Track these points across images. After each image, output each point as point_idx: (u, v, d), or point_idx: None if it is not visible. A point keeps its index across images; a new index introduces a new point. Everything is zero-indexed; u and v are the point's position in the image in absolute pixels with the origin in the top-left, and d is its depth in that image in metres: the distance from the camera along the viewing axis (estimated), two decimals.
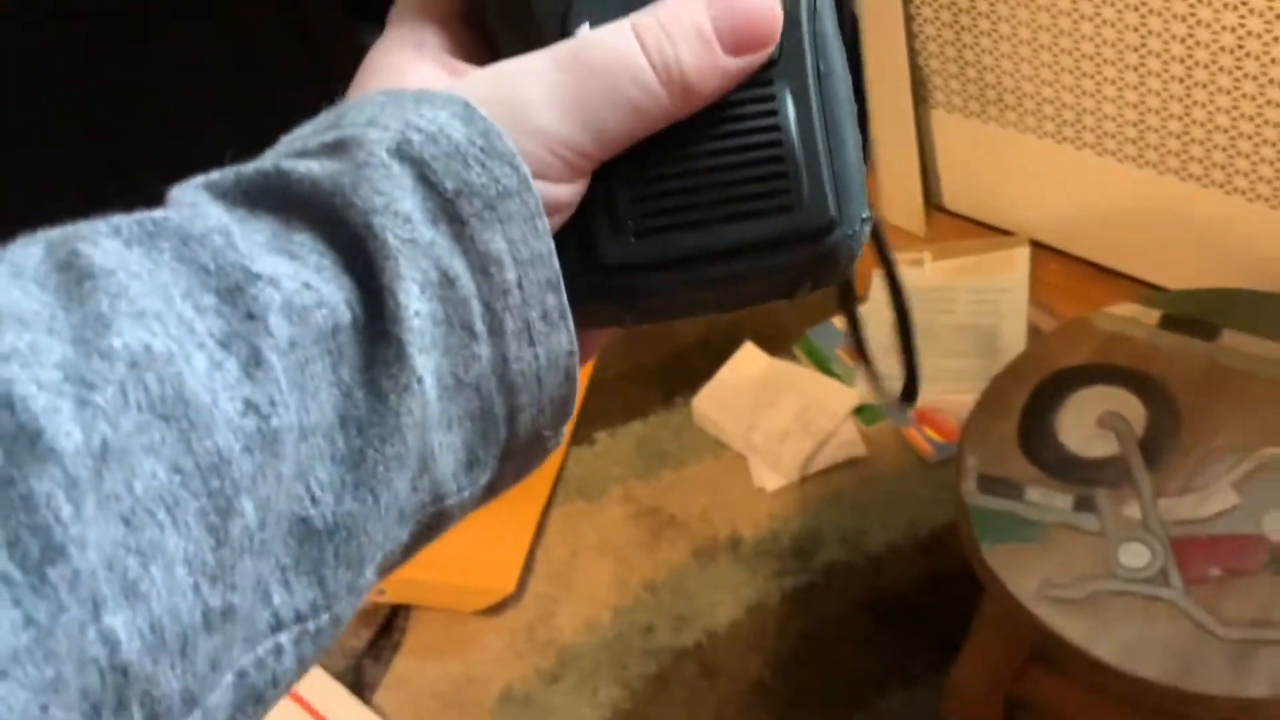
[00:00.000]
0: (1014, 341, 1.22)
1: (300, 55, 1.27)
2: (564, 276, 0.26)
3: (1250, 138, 1.04)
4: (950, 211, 1.36)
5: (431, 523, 0.26)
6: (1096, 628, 0.76)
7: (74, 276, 0.21)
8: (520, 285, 0.25)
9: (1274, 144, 1.04)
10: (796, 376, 1.21)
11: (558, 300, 0.26)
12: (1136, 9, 1.02)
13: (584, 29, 0.28)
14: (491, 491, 0.28)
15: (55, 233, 0.23)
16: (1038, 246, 1.30)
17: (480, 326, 0.25)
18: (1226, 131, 1.06)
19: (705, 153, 0.28)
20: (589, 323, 0.29)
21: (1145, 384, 0.88)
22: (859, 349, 0.40)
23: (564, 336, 0.26)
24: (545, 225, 0.26)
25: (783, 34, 0.28)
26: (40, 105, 1.12)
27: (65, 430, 0.19)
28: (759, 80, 0.28)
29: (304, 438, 0.23)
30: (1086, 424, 0.87)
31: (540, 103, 0.26)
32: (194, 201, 0.24)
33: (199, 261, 0.23)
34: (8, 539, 0.18)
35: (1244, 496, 0.81)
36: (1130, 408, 0.88)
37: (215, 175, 0.25)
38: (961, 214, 1.36)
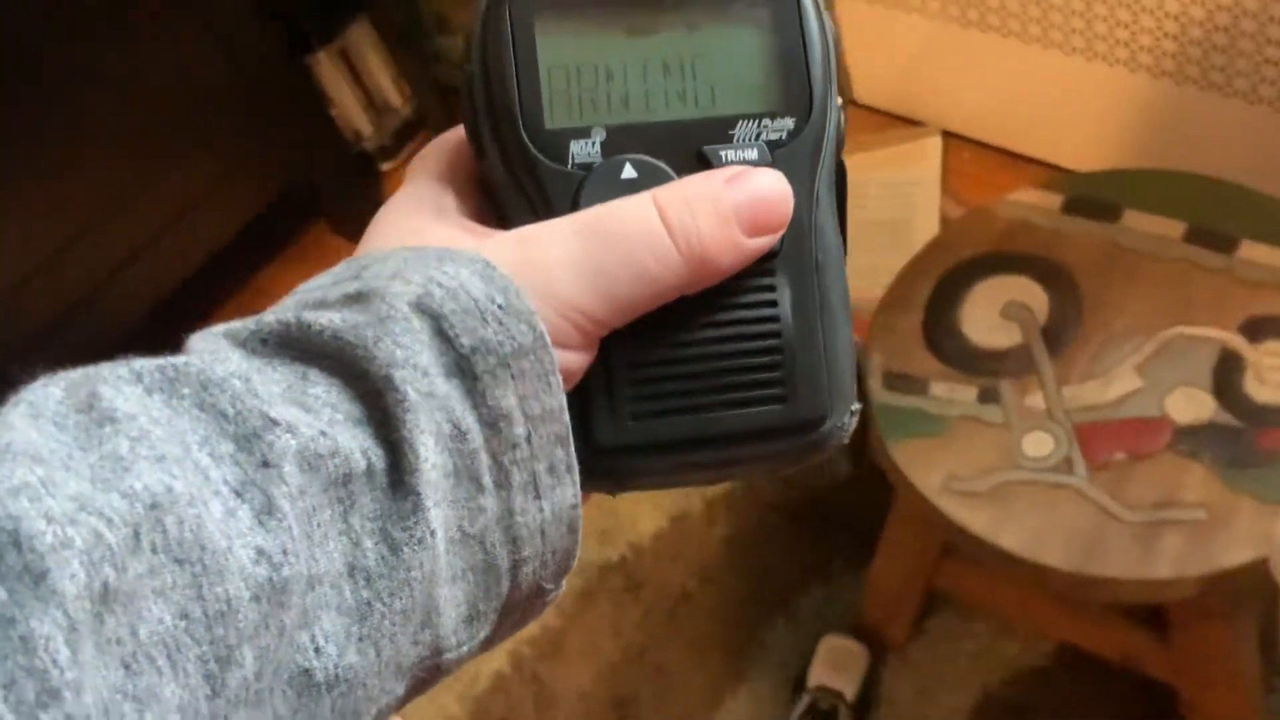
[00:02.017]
0: (927, 234, 1.20)
1: (240, 89, 1.22)
2: None
3: (1152, 12, 1.02)
4: (862, 105, 1.33)
5: (427, 676, 0.26)
6: (1001, 518, 0.76)
7: (94, 419, 0.22)
8: (529, 440, 0.26)
9: (1175, 18, 1.02)
10: None
11: (565, 454, 0.27)
12: None
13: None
14: (488, 645, 0.28)
15: (76, 373, 0.23)
16: (950, 136, 1.27)
17: (488, 480, 0.26)
18: (1129, 7, 1.03)
19: (705, 340, 0.29)
20: None
21: (1048, 271, 0.87)
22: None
23: (569, 490, 0.27)
24: (558, 382, 0.26)
25: (787, 227, 0.29)
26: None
27: (70, 572, 0.19)
28: (761, 270, 0.29)
29: (311, 587, 0.23)
30: (990, 315, 0.86)
31: (559, 268, 0.27)
32: (214, 349, 0.25)
33: (218, 407, 0.23)
34: (4, 680, 0.19)
35: (1146, 379, 0.80)
36: (1033, 296, 0.87)
37: (236, 324, 0.26)
38: (873, 106, 1.33)
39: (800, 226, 0.29)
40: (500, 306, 0.26)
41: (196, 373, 0.23)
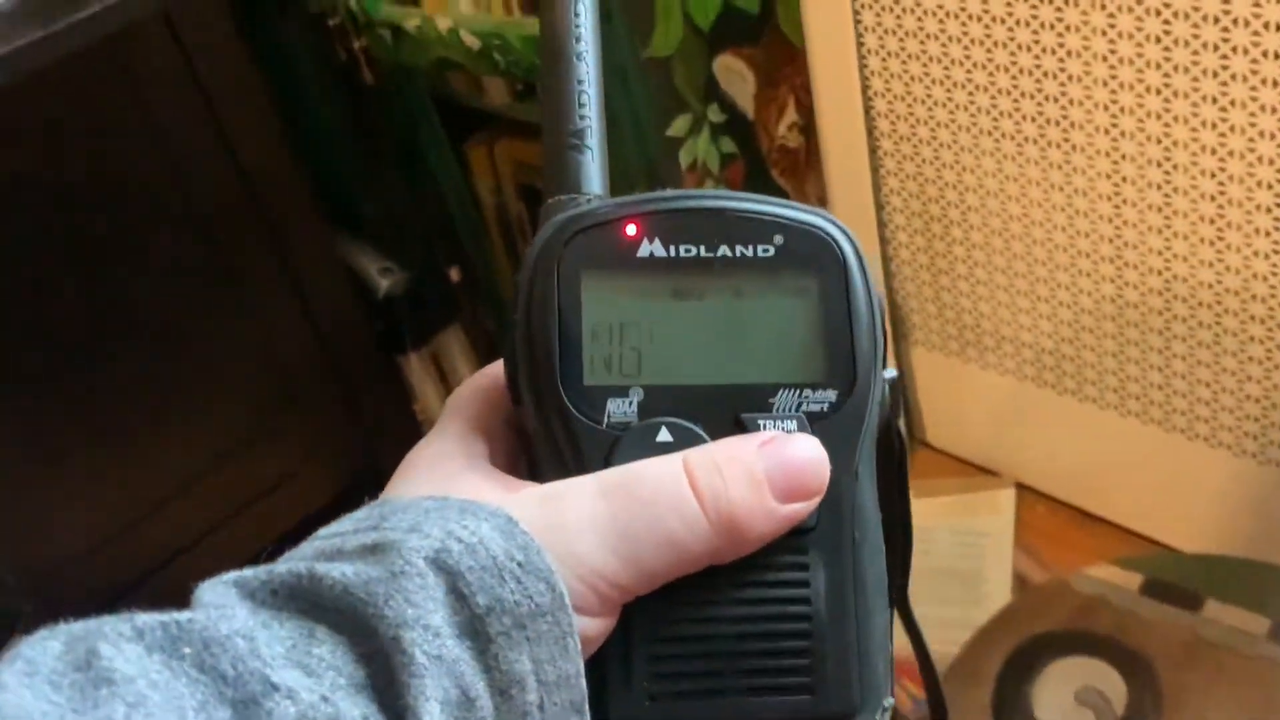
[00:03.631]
0: (998, 588, 1.17)
1: (277, 264, 1.29)
2: None
3: (1233, 392, 1.02)
4: (934, 447, 1.34)
5: None
6: None
7: (91, 679, 0.21)
8: (541, 707, 0.25)
9: (1258, 399, 1.02)
10: None
11: None
12: (1111, 260, 1.02)
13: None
14: None
15: (77, 627, 0.23)
16: (1024, 489, 1.26)
17: None
18: (1209, 385, 1.04)
19: (731, 618, 0.27)
20: None
21: (1126, 657, 0.84)
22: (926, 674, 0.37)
23: None
24: (576, 646, 0.25)
25: (822, 503, 0.28)
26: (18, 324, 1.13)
27: None
28: (795, 547, 0.28)
29: None
30: (1064, 698, 0.82)
31: (580, 530, 0.26)
32: (222, 603, 0.24)
33: (219, 669, 0.22)
34: None
35: None
36: (1110, 683, 0.83)
37: (248, 573, 0.25)
38: (946, 450, 1.33)
39: (838, 503, 0.28)
40: (520, 564, 0.25)
41: (200, 630, 0.23)
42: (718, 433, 0.28)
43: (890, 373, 0.30)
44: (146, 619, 0.23)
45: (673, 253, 0.29)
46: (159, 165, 1.17)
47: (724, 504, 0.27)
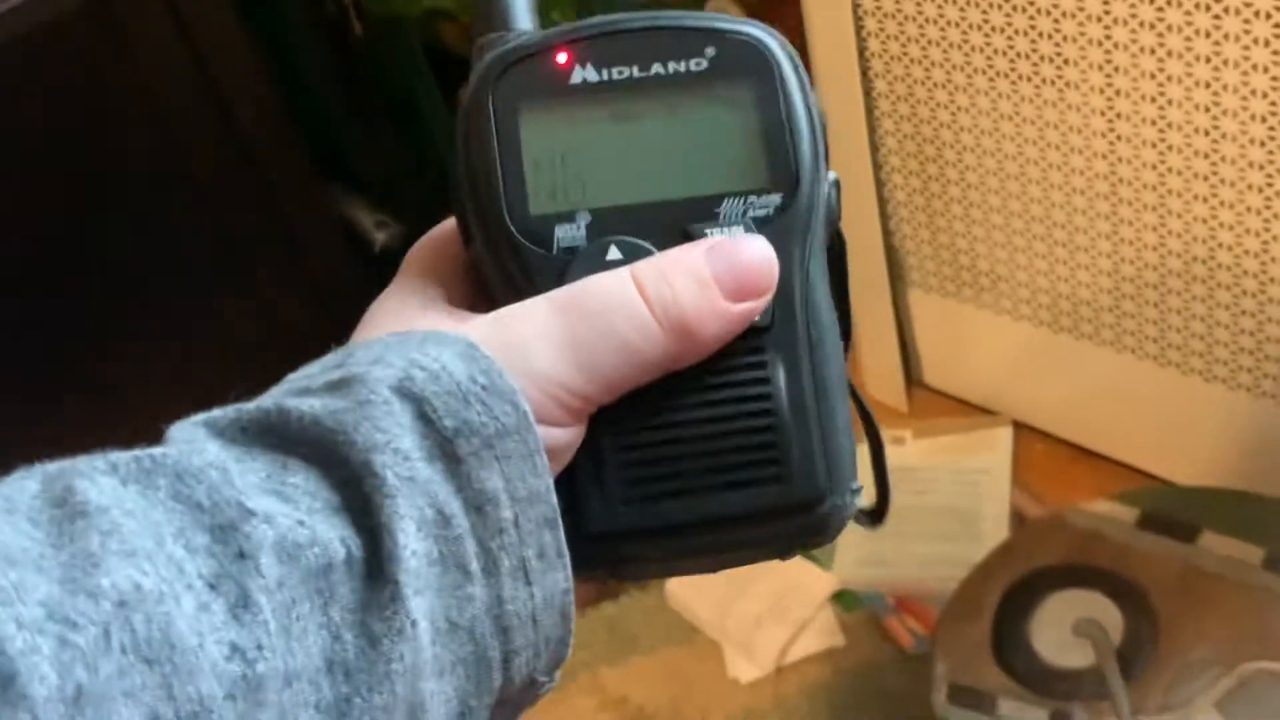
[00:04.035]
0: (996, 525, 1.18)
1: (271, 219, 1.28)
2: None
3: (1227, 326, 1.03)
4: (932, 388, 1.35)
5: None
6: None
7: (67, 513, 0.21)
8: (516, 523, 0.25)
9: (1252, 333, 1.02)
10: None
11: (554, 538, 0.26)
12: (1107, 198, 1.02)
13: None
14: None
15: (53, 467, 0.23)
16: (1021, 427, 1.27)
17: (475, 566, 0.25)
18: (1203, 319, 1.04)
19: (695, 420, 0.28)
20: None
21: (1122, 588, 0.85)
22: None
23: (560, 575, 0.26)
24: (544, 463, 0.25)
25: (775, 303, 0.28)
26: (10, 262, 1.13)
27: (40, 674, 0.19)
28: (751, 348, 0.28)
29: (288, 683, 0.22)
30: (1062, 630, 0.84)
31: (536, 344, 0.26)
32: (192, 438, 0.24)
33: (194, 498, 0.23)
34: None
35: (1228, 717, 0.76)
36: (1107, 614, 0.84)
37: (216, 413, 0.25)
38: (944, 391, 1.34)
39: (791, 303, 0.28)
40: (483, 387, 0.25)
41: (173, 463, 0.23)
42: (667, 246, 0.28)
43: (833, 175, 0.30)
44: (120, 455, 0.23)
45: (606, 76, 0.29)
46: (148, 122, 1.16)
47: (673, 308, 0.27)
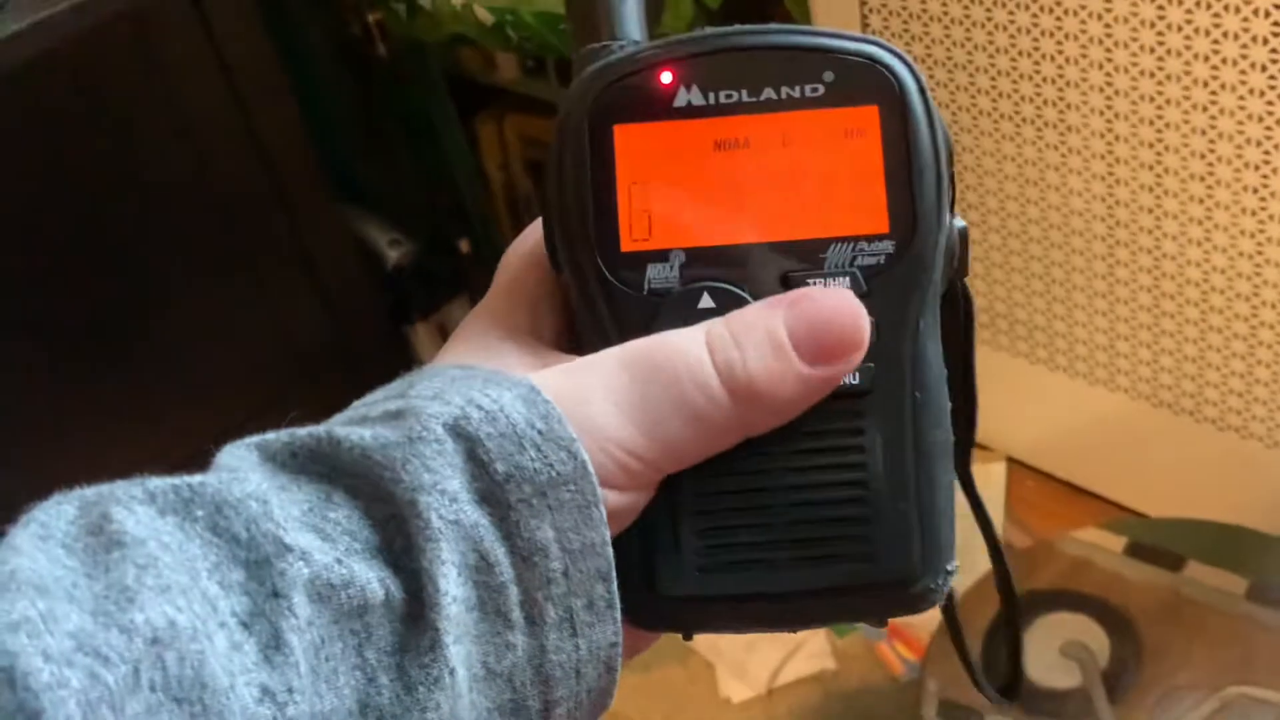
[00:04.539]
0: (987, 558, 1.20)
1: (287, 235, 1.30)
2: (620, 595, 0.25)
3: (1218, 368, 1.06)
4: None
5: None
6: None
7: (103, 542, 0.21)
8: (566, 574, 0.24)
9: (1241, 375, 1.05)
10: None
11: (607, 590, 0.25)
12: (1104, 239, 1.05)
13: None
14: None
15: (90, 492, 0.23)
16: (1014, 463, 1.30)
17: (517, 615, 0.24)
18: (1194, 361, 1.07)
19: (780, 488, 0.26)
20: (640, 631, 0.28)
21: (1110, 613, 0.87)
22: (958, 646, 0.37)
23: (610, 628, 0.25)
24: (602, 515, 0.24)
25: (878, 363, 0.26)
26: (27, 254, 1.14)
27: (65, 713, 0.19)
28: (847, 411, 0.26)
29: None
30: (1050, 652, 0.86)
31: (600, 401, 0.25)
32: (238, 465, 0.24)
33: (232, 530, 0.22)
34: None
35: None
36: (1094, 637, 0.86)
37: (270, 435, 0.25)
38: None
39: (898, 364, 0.26)
40: (540, 432, 0.24)
41: (212, 494, 0.22)
42: (764, 294, 0.26)
43: (960, 222, 0.27)
44: (159, 483, 0.23)
45: (712, 99, 0.27)
46: (174, 139, 1.18)
47: (741, 374, 0.25)
